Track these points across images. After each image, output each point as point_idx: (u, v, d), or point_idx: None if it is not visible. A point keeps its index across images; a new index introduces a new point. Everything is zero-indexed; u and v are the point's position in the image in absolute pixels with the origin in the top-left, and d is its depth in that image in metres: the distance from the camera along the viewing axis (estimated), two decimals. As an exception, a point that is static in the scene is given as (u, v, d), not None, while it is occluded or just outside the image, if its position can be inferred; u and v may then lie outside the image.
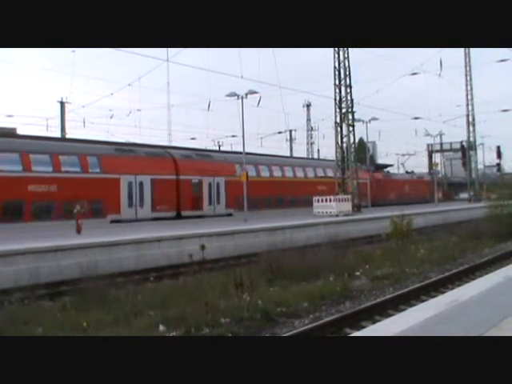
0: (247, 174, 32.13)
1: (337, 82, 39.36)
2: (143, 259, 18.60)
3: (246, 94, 31.30)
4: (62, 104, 52.69)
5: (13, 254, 15.46)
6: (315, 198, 35.97)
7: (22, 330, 9.29)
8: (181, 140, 65.23)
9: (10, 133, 30.18)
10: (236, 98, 31.26)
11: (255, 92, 32.10)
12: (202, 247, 13.71)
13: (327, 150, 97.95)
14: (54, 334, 8.83)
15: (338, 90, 39.36)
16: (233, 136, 54.61)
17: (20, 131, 35.84)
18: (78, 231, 21.64)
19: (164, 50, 33.99)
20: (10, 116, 55.25)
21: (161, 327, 9.98)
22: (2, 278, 14.69)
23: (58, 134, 49.00)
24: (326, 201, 35.30)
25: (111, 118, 52.04)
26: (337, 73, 39.26)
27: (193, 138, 59.05)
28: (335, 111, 39.50)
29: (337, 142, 40.25)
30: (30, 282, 14.40)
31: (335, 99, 39.34)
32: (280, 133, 71.32)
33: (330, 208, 34.62)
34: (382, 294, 13.55)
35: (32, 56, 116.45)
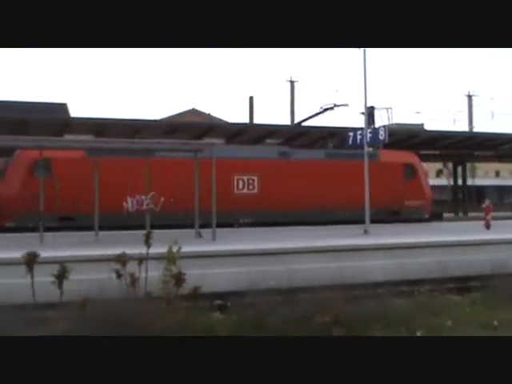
0: None
1: None
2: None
3: None
4: (470, 97, 53.21)
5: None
6: None
7: (432, 321, 9.44)
8: None
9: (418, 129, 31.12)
10: None
11: None
12: None
13: None
14: (463, 329, 8.74)
15: None
16: None
17: (427, 127, 37.06)
18: (487, 227, 21.65)
19: None
20: (418, 113, 57.78)
21: None
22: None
23: (465, 128, 49.59)
24: None
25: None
26: None
27: None
28: None
29: None
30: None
31: None
32: None
33: None
34: None
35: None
